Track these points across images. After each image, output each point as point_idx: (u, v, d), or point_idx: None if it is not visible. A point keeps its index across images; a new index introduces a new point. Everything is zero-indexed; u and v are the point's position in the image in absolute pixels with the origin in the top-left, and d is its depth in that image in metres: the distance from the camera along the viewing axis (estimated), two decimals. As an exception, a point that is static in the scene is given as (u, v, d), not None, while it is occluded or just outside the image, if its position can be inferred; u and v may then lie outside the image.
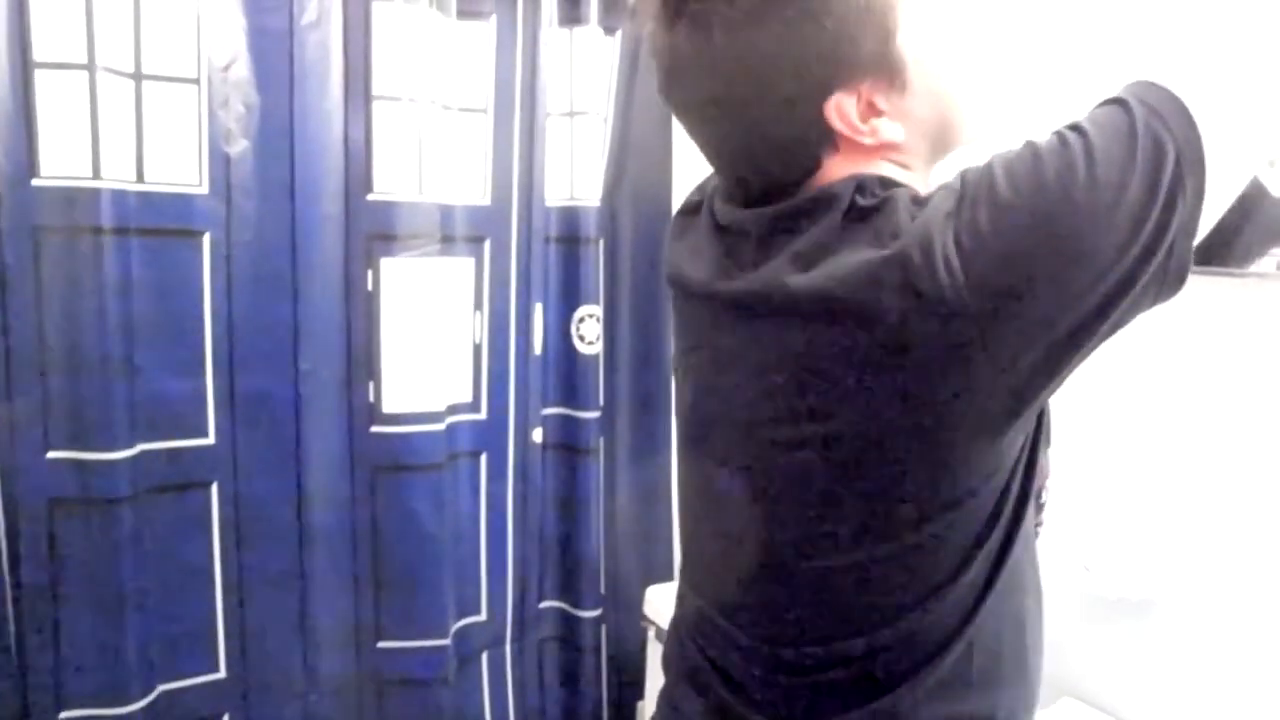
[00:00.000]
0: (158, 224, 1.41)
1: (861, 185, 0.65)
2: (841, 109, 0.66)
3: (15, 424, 1.34)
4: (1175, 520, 1.17)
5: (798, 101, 0.66)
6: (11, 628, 1.37)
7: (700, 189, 0.86)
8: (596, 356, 1.84)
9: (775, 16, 0.64)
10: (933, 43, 0.69)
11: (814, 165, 0.68)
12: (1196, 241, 0.61)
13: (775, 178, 0.69)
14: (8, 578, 1.36)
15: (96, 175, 1.32)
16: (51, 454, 1.36)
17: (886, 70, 0.67)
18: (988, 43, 1.20)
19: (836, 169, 0.68)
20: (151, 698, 1.47)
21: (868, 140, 0.67)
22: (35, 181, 1.31)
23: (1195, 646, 1.16)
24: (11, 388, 1.34)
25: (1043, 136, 0.61)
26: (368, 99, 1.53)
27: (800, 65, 0.65)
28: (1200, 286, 1.03)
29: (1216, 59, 0.64)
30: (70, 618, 1.40)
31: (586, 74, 1.75)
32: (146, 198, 1.39)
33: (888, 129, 0.68)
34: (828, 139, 0.67)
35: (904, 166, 0.70)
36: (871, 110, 0.67)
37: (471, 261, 1.70)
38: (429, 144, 1.58)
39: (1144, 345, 1.17)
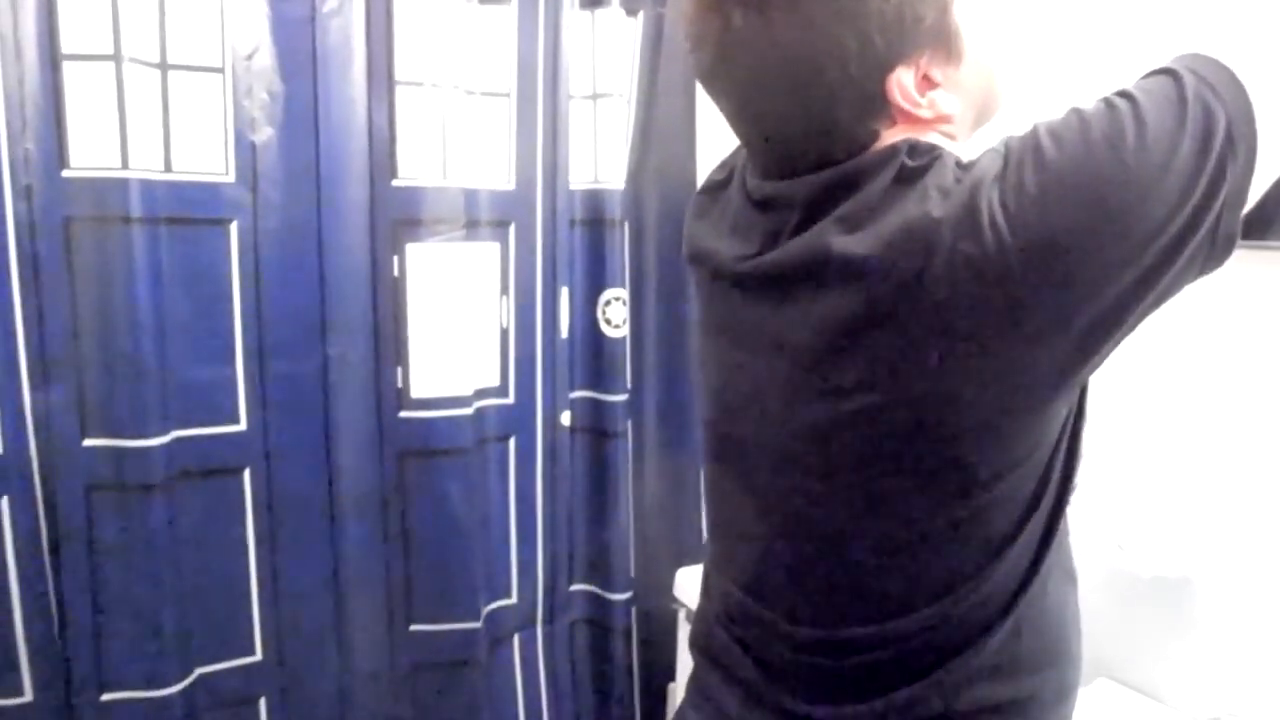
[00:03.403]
0: (186, 213, 1.43)
1: (913, 148, 0.64)
2: (902, 84, 0.66)
3: (52, 412, 1.36)
4: (1212, 496, 1.15)
5: (860, 79, 0.65)
6: (54, 611, 1.40)
7: (724, 166, 0.85)
8: (623, 339, 1.83)
9: None
10: (980, 11, 0.68)
11: (871, 140, 0.67)
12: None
13: (827, 153, 0.68)
14: (49, 563, 1.38)
15: (125, 165, 1.34)
16: (88, 441, 1.38)
17: (944, 42, 0.66)
18: (1027, 11, 1.18)
19: (892, 141, 0.67)
20: (190, 680, 1.49)
21: (925, 114, 0.67)
22: (65, 172, 1.32)
23: (1234, 626, 1.15)
24: (48, 376, 1.36)
25: (1088, 103, 0.60)
26: (391, 85, 1.53)
27: (864, 41, 0.64)
28: (1240, 260, 1.01)
29: (1263, 29, 0.63)
30: (109, 602, 1.42)
31: (609, 56, 1.74)
32: (174, 187, 1.41)
33: (944, 101, 0.67)
34: (885, 113, 0.67)
35: (951, 137, 0.70)
36: (927, 83, 0.67)
37: (497, 246, 1.70)
38: (453, 129, 1.58)
39: (1182, 319, 1.14)
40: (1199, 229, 0.57)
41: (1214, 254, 0.59)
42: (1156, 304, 0.60)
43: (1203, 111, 0.57)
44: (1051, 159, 0.58)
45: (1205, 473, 1.16)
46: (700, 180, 1.90)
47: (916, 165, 0.63)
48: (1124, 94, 0.59)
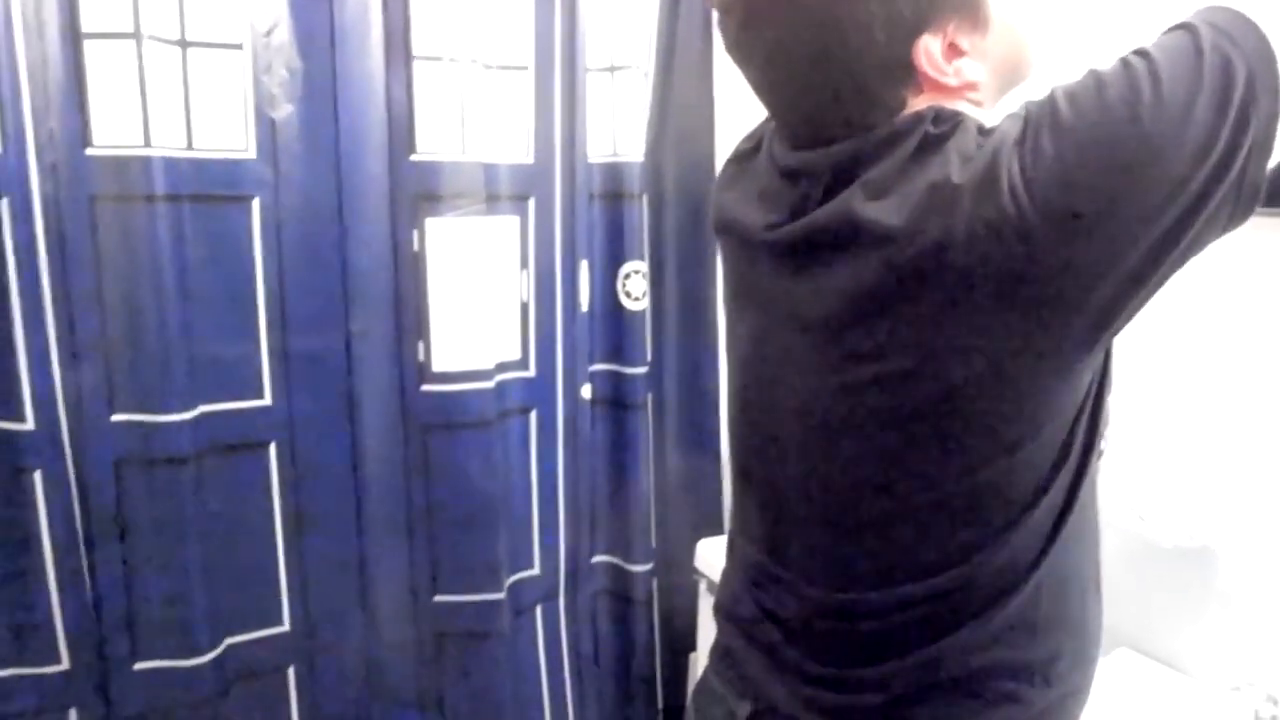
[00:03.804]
0: (208, 190, 1.43)
1: (937, 115, 0.65)
2: (929, 52, 0.66)
3: (81, 388, 1.38)
4: (1232, 467, 1.15)
5: (887, 46, 0.65)
6: (87, 582, 1.42)
7: (753, 136, 0.85)
8: (643, 312, 1.83)
9: None
10: None
11: (899, 106, 0.68)
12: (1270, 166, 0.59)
13: (854, 121, 0.68)
14: (81, 535, 1.41)
15: (147, 143, 1.35)
16: (116, 416, 1.40)
17: (970, 9, 0.67)
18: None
19: (918, 108, 0.67)
20: (220, 650, 1.52)
21: (951, 81, 0.67)
22: (89, 151, 1.33)
23: (1254, 596, 1.15)
24: (76, 352, 1.37)
25: (1105, 65, 0.60)
26: (408, 59, 1.53)
27: (892, 9, 0.64)
28: (1266, 228, 1.00)
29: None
30: (141, 573, 1.45)
31: (627, 28, 1.73)
32: (196, 164, 1.42)
33: (970, 68, 0.68)
34: (912, 81, 0.67)
35: (977, 104, 0.70)
36: (954, 51, 0.67)
37: (517, 220, 1.70)
38: (471, 103, 1.58)
39: (1203, 288, 1.14)
40: (1224, 180, 0.57)
41: (1240, 206, 0.59)
42: (1183, 260, 0.60)
43: (1221, 61, 0.57)
44: (1068, 122, 0.58)
45: (1225, 444, 1.16)
46: (719, 152, 1.89)
47: (940, 132, 0.63)
48: (1140, 52, 0.59)
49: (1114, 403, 0.77)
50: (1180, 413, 1.21)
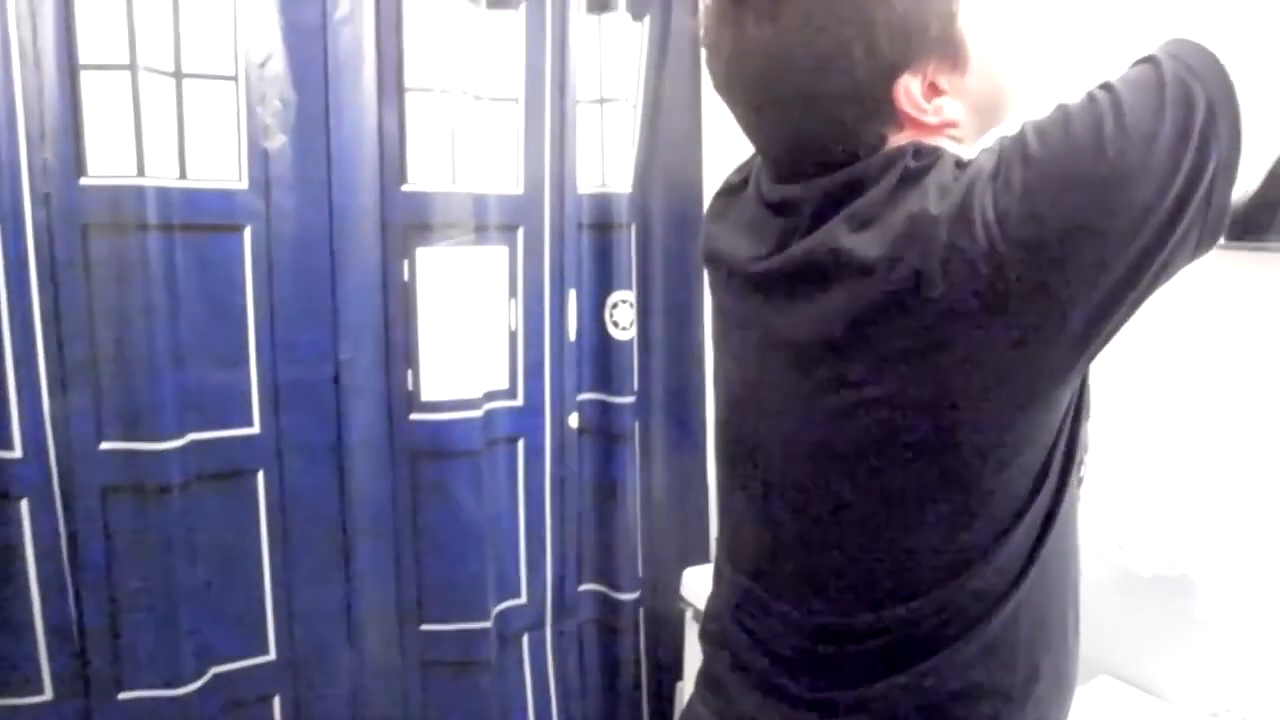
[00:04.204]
0: (200, 219, 1.45)
1: (917, 150, 0.67)
2: (909, 91, 0.68)
3: (70, 415, 1.38)
4: (1210, 496, 1.17)
5: (868, 85, 0.68)
6: (72, 610, 1.42)
7: (741, 170, 0.87)
8: (630, 341, 1.85)
9: (846, 2, 0.66)
10: (987, 22, 0.71)
11: (879, 143, 0.70)
12: (1237, 200, 0.61)
13: (836, 157, 0.70)
14: (67, 563, 1.41)
15: (141, 173, 1.36)
16: (104, 444, 1.41)
17: (950, 51, 0.69)
18: (1034, 20, 1.20)
19: (899, 144, 0.69)
20: (205, 679, 1.51)
21: (931, 120, 0.70)
22: (83, 180, 1.35)
23: (1233, 623, 1.16)
24: (65, 380, 1.38)
25: (1072, 99, 0.62)
26: (400, 91, 1.56)
27: (872, 50, 0.66)
28: (1239, 261, 1.02)
29: (1257, 27, 0.64)
30: (126, 603, 1.44)
31: (615, 61, 1.76)
32: (189, 194, 1.43)
33: (949, 108, 0.70)
34: (893, 119, 0.69)
35: (958, 140, 0.72)
36: (934, 90, 0.69)
37: (506, 250, 1.72)
38: (461, 134, 1.60)
39: (1181, 319, 1.16)
40: (1189, 206, 0.59)
41: (1207, 230, 0.61)
42: (1154, 285, 0.62)
43: (1182, 93, 0.59)
44: (1036, 155, 0.60)
45: (1204, 472, 1.18)
46: (706, 183, 1.91)
47: (919, 166, 0.66)
48: (1105, 85, 0.62)
49: (1094, 431, 0.78)
50: (1159, 442, 1.23)
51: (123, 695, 1.46)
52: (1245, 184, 0.62)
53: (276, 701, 1.61)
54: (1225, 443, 1.16)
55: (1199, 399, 1.19)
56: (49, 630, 1.41)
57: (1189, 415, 1.20)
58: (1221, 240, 0.92)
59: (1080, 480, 0.78)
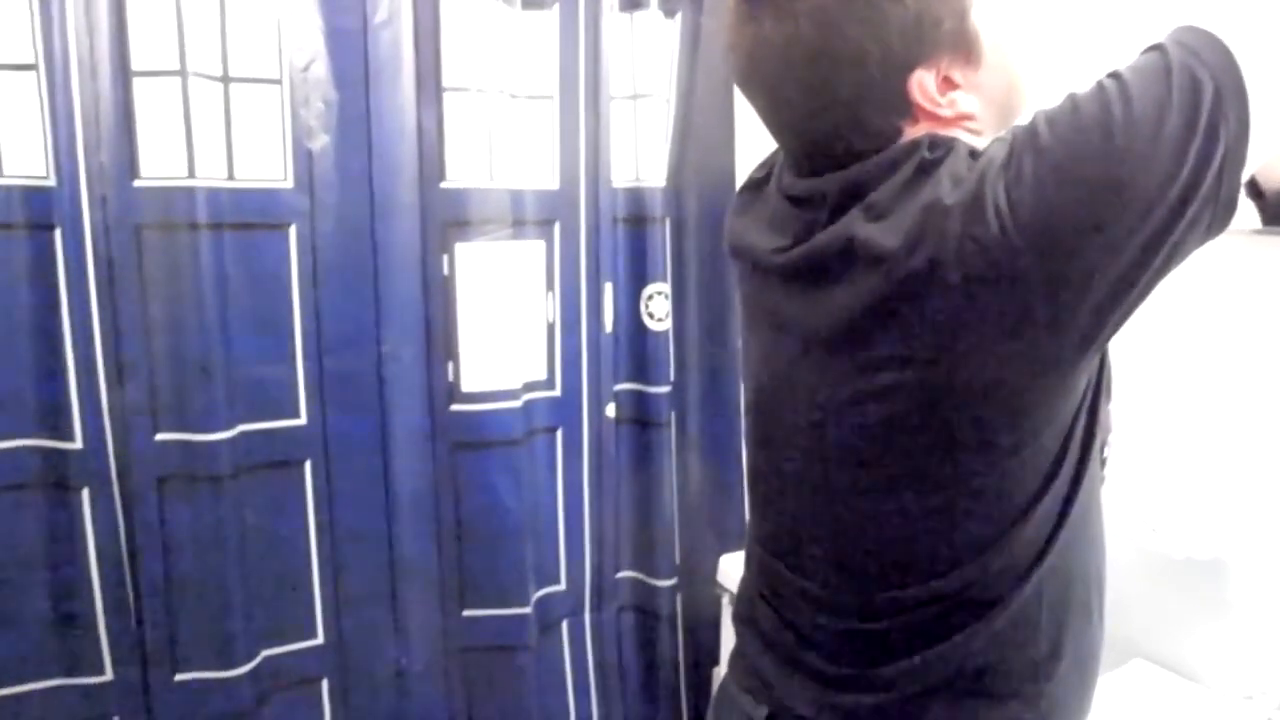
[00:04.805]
0: (248, 219, 1.50)
1: (933, 141, 0.69)
2: (923, 85, 0.70)
3: (126, 408, 1.44)
4: (1243, 479, 1.17)
5: (882, 81, 0.70)
6: (130, 596, 1.48)
7: (765, 165, 0.89)
8: (666, 333, 1.88)
9: (861, 1, 0.68)
10: (1001, 17, 0.73)
11: (896, 136, 0.72)
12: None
13: (855, 151, 0.72)
14: (125, 550, 1.47)
15: (191, 175, 1.41)
16: (159, 436, 1.46)
17: (963, 46, 0.71)
18: (1046, 14, 1.21)
19: (915, 136, 0.71)
20: (256, 662, 1.57)
21: (946, 113, 0.71)
22: (136, 182, 1.40)
23: (1266, 606, 1.16)
24: (122, 375, 1.44)
25: (1082, 88, 0.64)
26: (439, 91, 1.59)
27: (885, 46, 0.69)
28: (1273, 245, 1.02)
29: (1265, 15, 0.65)
30: (181, 587, 1.50)
31: (648, 57, 1.78)
32: (237, 194, 1.48)
33: (964, 101, 0.72)
34: (908, 112, 0.71)
35: (976, 133, 0.74)
36: (948, 84, 0.71)
37: (542, 244, 1.76)
38: (498, 132, 1.64)
39: (1217, 304, 1.16)
40: (1198, 192, 0.60)
41: (1218, 214, 0.62)
42: (1167, 268, 0.63)
43: (1189, 80, 0.60)
44: (1046, 144, 0.62)
45: (1236, 456, 1.18)
46: (739, 177, 1.93)
47: (934, 157, 0.67)
48: (1113, 74, 0.63)
49: (1125, 415, 0.80)
50: (1191, 425, 1.23)
51: (179, 676, 1.51)
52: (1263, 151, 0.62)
53: (324, 683, 1.66)
54: (1258, 426, 1.16)
55: (1232, 383, 1.19)
56: (109, 613, 1.47)
57: (1222, 399, 1.20)
58: (1260, 226, 0.93)
59: (1104, 461, 0.79)
